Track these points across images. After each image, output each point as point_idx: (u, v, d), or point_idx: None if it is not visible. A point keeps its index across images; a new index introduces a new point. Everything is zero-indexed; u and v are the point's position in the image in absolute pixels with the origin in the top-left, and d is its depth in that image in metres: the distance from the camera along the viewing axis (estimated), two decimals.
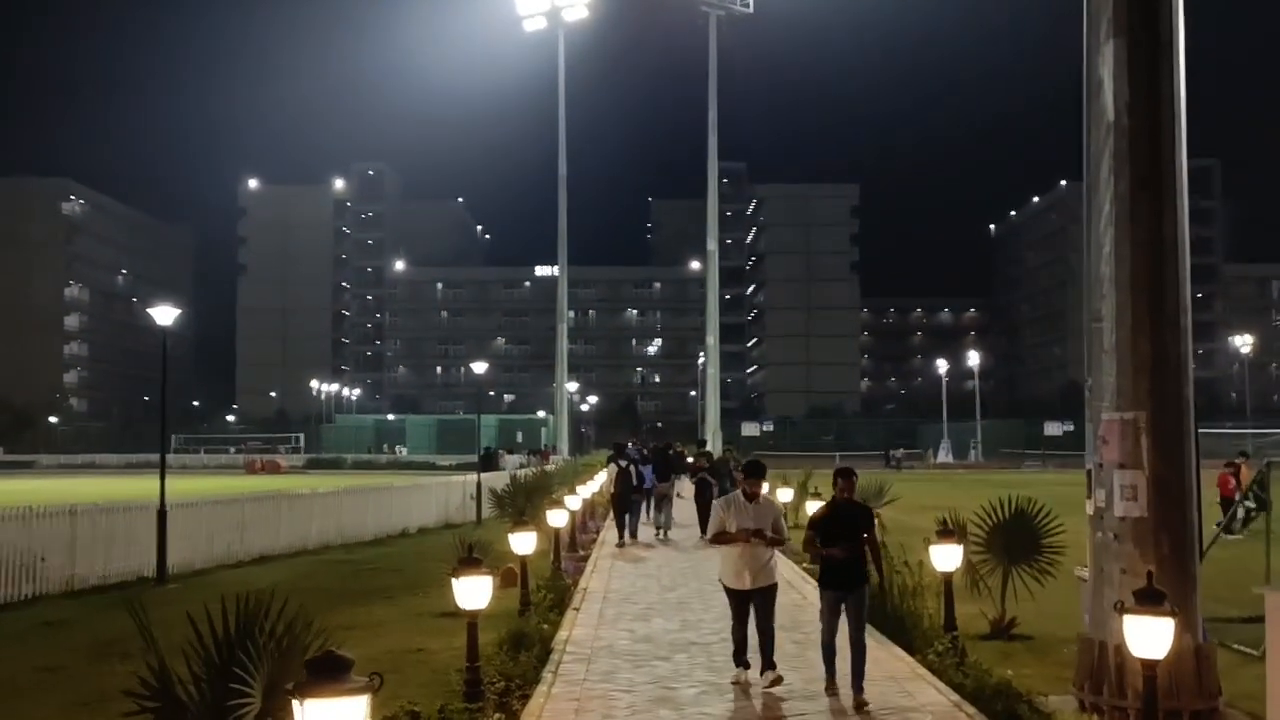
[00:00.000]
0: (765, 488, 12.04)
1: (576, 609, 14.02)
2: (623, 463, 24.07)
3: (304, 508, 23.04)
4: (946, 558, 10.59)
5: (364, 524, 25.25)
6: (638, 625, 13.01)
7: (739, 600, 9.90)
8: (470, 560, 8.57)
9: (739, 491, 10.11)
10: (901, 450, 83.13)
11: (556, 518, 17.18)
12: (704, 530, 22.79)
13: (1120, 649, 7.89)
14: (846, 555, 9.33)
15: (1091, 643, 8.25)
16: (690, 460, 35.32)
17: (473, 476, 31.07)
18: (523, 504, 22.39)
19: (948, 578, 10.71)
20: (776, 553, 10.21)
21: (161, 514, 17.79)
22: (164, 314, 18.20)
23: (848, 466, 9.97)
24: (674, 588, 16.27)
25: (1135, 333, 8.22)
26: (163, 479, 18.15)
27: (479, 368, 37.44)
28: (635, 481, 24.05)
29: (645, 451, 28.61)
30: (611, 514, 30.36)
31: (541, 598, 13.71)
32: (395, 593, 16.89)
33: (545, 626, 12.27)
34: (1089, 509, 8.40)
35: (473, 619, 8.67)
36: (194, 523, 19.43)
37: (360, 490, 25.93)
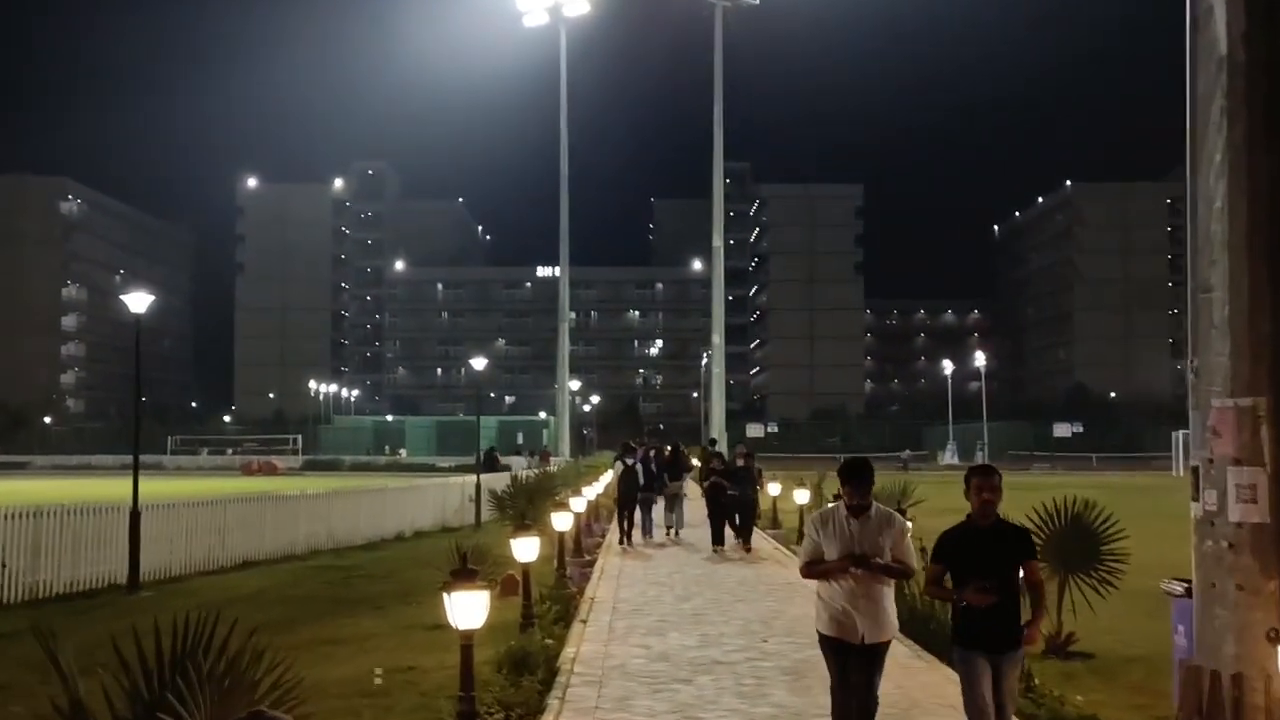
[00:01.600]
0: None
1: (584, 621, 12.73)
2: (629, 460, 22.98)
3: (291, 510, 21.74)
4: None
5: (356, 527, 23.96)
6: (652, 640, 11.70)
7: (843, 657, 6.85)
8: (464, 571, 7.27)
9: (839, 504, 7.04)
10: (908, 451, 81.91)
11: (561, 521, 15.89)
12: (715, 539, 21.35)
13: (1239, 680, 6.61)
14: (994, 601, 6.39)
15: (1200, 672, 6.96)
16: (696, 460, 34.16)
17: (471, 478, 29.77)
18: (524, 506, 21.18)
19: None
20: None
21: (134, 515, 16.50)
22: (137, 301, 16.95)
23: (988, 464, 7.19)
24: (689, 597, 14.95)
25: (1253, 304, 6.91)
26: (135, 477, 16.85)
27: (479, 364, 36.12)
28: (644, 480, 23.12)
29: (653, 453, 26.93)
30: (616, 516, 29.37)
31: (545, 609, 12.43)
32: (386, 602, 15.63)
33: (550, 642, 11.02)
34: (1195, 512, 7.10)
35: (467, 640, 7.37)
36: (171, 525, 18.14)
37: (352, 492, 24.65)
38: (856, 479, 6.88)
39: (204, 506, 19.16)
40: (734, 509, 22.00)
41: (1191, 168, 7.32)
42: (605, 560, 19.68)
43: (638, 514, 23.11)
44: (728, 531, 21.94)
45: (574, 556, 19.10)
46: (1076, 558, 11.35)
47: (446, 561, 11.05)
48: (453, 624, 7.24)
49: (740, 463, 23.00)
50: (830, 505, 7.29)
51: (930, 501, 19.84)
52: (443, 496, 28.84)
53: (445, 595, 7.20)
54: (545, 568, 16.83)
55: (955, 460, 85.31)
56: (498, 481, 27.87)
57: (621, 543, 22.23)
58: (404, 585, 17.10)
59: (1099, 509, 11.66)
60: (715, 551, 20.77)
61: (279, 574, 19.01)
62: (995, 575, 6.41)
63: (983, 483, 6.62)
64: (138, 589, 16.24)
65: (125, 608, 15.05)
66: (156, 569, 17.62)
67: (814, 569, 6.91)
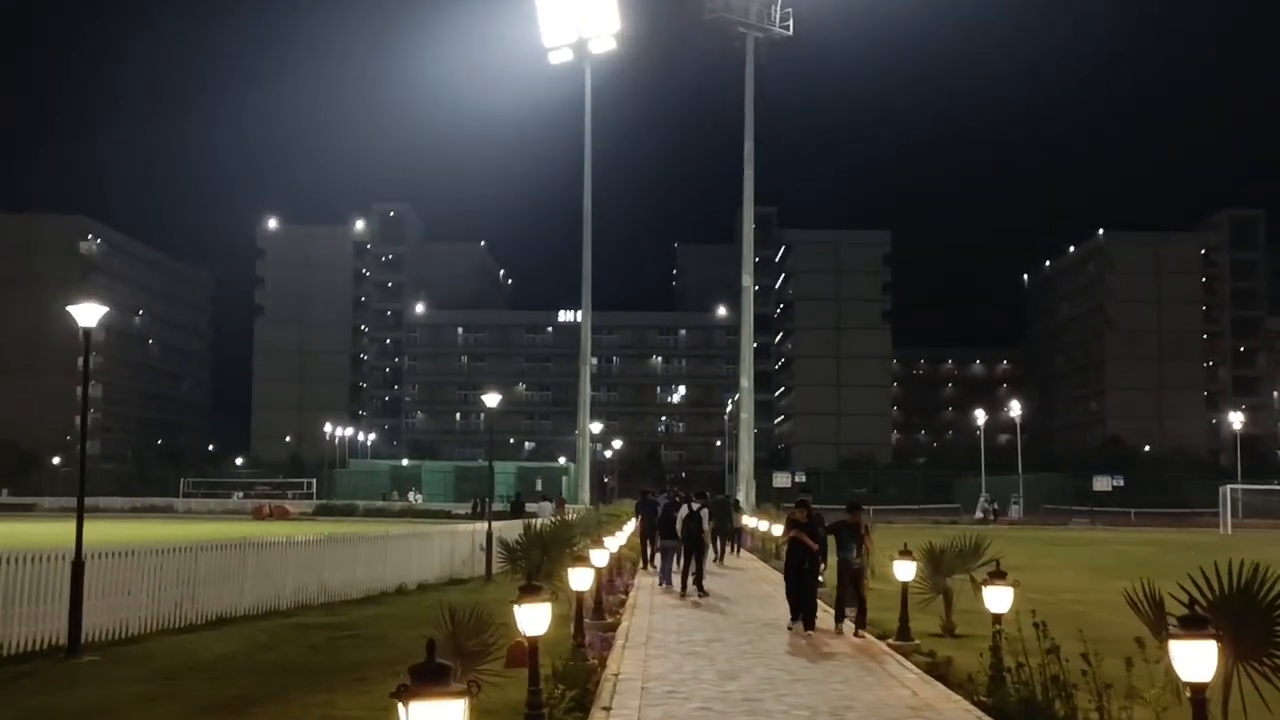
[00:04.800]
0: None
1: (606, 709, 10.16)
2: (695, 505, 23.27)
3: (276, 559, 19.21)
4: (1197, 661, 6.63)
5: (352, 579, 21.44)
6: None
7: None
8: (430, 670, 4.73)
9: None
10: (987, 496, 77.96)
11: (579, 579, 13.32)
12: (795, 614, 16.06)
13: None
14: None
15: None
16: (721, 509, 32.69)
17: (483, 526, 27.26)
18: (538, 559, 18.60)
19: (1200, 692, 6.73)
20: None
21: (77, 565, 14.02)
22: (86, 313, 14.51)
23: None
24: (735, 674, 12.29)
25: None
26: (80, 519, 14.32)
27: (491, 401, 33.58)
28: (705, 523, 23.15)
29: (677, 498, 27.16)
30: (643, 562, 28.26)
31: (559, 695, 9.83)
32: (371, 672, 13.12)
33: None
34: None
35: None
36: (127, 576, 15.65)
37: (348, 539, 22.09)
38: None
39: (170, 554, 16.66)
40: (811, 577, 16.56)
41: None
42: (630, 622, 17.10)
43: (658, 559, 23.33)
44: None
45: (593, 618, 16.56)
46: (1251, 640, 8.75)
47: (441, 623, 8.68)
48: None
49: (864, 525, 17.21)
50: None
51: (1006, 560, 17.36)
52: (451, 545, 26.30)
53: (400, 708, 4.69)
54: (560, 631, 14.32)
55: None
56: (510, 530, 25.34)
57: (684, 594, 21.43)
58: (396, 650, 14.56)
59: (1275, 577, 9.07)
60: (791, 630, 16.06)
61: (255, 633, 16.51)
62: None
63: None
64: (79, 653, 13.74)
65: (55, 678, 12.57)
66: (109, 627, 15.16)
67: None
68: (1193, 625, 6.71)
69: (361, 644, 15.67)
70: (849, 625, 15.93)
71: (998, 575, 10.88)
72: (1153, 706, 7.83)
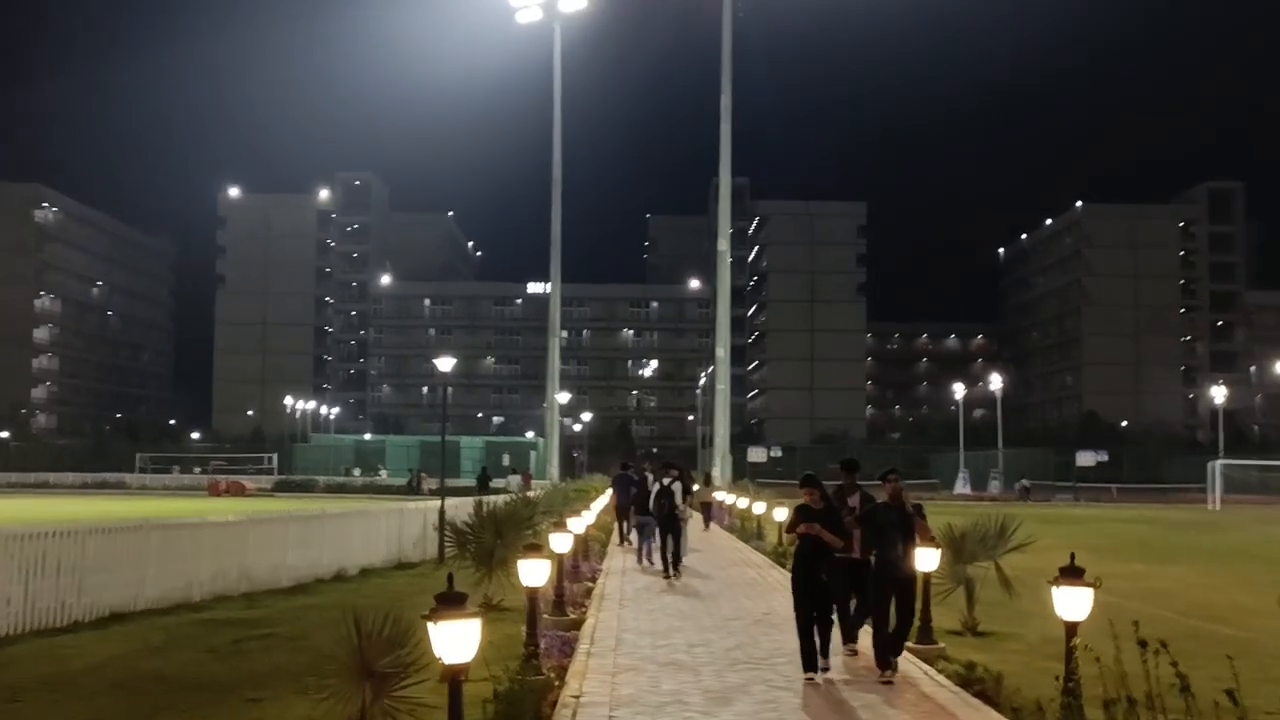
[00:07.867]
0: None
1: None
2: (666, 480, 21.15)
3: (186, 542, 16.52)
4: None
5: (281, 563, 18.80)
6: None
7: None
8: None
9: None
10: (1026, 480, 74.88)
11: (533, 571, 10.69)
12: (808, 660, 10.49)
13: None
14: None
15: None
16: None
17: (435, 503, 24.66)
18: (490, 543, 16.06)
19: None
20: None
21: None
22: None
23: None
24: (728, 696, 9.65)
25: None
26: None
27: (445, 365, 30.93)
28: (679, 498, 20.72)
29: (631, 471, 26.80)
30: (618, 538, 26.96)
31: None
32: (272, 687, 10.54)
33: None
34: None
35: None
36: None
37: (276, 518, 19.41)
38: None
39: (49, 539, 13.96)
40: (849, 587, 11.73)
41: None
42: (597, 618, 14.50)
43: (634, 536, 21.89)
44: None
45: (553, 612, 14.01)
46: None
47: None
48: None
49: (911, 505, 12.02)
50: None
51: (1043, 540, 15.00)
52: (399, 525, 23.68)
53: None
54: (513, 629, 11.86)
55: (968, 490, 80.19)
56: (464, 509, 22.77)
57: (667, 576, 19.75)
58: (311, 656, 11.85)
59: None
60: (809, 680, 10.36)
61: (150, 633, 13.85)
62: None
63: None
64: None
65: None
66: None
67: None
68: None
69: (273, 646, 13.04)
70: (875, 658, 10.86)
71: (1072, 572, 8.31)
72: None
